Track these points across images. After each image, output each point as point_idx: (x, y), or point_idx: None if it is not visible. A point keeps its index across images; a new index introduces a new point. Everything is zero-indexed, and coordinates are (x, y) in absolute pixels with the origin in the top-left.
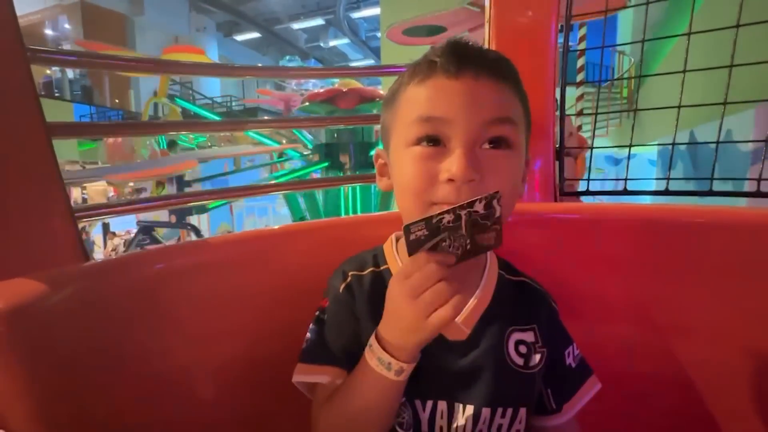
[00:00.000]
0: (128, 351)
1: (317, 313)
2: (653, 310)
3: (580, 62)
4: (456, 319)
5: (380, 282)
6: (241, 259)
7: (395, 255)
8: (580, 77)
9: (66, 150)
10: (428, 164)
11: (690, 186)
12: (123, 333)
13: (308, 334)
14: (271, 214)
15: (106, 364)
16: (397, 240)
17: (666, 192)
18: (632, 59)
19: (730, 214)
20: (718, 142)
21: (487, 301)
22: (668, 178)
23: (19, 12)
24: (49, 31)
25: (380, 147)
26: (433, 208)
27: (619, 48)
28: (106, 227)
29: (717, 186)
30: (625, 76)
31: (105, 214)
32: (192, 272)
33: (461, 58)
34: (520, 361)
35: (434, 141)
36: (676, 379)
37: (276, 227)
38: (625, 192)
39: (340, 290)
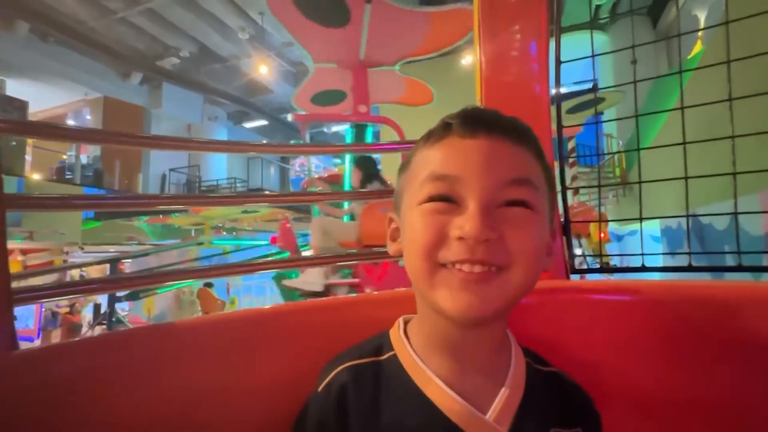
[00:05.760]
0: None
1: (297, 417)
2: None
3: (571, 144)
4: (486, 416)
5: (380, 373)
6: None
7: (404, 340)
8: (571, 160)
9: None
10: (439, 219)
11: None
12: None
13: None
14: (269, 293)
15: None
16: (406, 323)
17: (690, 268)
18: (620, 141)
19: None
20: (688, 216)
21: (521, 390)
22: (666, 253)
23: (45, 105)
24: (71, 121)
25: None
26: (441, 271)
27: (606, 131)
28: None
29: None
30: (614, 156)
31: (48, 296)
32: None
33: (476, 120)
34: None
35: (447, 199)
36: None
37: (246, 309)
38: (644, 269)
39: (320, 389)
